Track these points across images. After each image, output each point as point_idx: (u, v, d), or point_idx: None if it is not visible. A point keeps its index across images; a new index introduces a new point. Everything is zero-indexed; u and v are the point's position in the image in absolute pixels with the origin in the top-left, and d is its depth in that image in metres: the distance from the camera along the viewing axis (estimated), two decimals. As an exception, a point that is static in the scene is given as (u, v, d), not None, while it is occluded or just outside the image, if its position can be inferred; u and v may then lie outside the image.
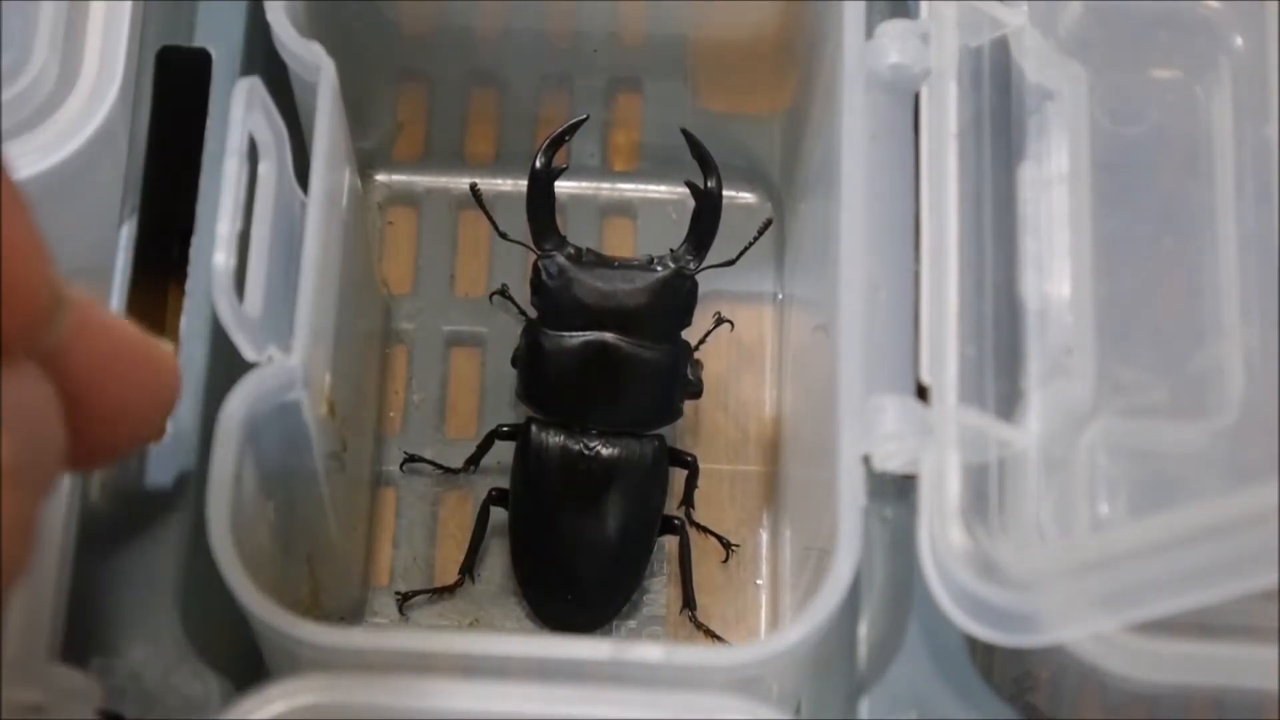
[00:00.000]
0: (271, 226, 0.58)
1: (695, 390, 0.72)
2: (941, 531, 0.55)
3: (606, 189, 0.80)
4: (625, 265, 0.71)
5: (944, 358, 0.57)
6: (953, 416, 0.57)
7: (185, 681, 0.57)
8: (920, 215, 0.59)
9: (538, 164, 0.71)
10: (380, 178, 0.80)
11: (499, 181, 0.78)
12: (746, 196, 0.79)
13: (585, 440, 0.71)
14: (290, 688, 0.54)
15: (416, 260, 0.79)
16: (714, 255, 0.71)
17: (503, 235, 0.74)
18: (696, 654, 0.56)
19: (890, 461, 0.57)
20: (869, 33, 0.61)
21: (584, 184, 0.79)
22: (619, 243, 0.79)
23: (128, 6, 0.63)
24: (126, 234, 0.63)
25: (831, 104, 0.63)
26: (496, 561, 0.74)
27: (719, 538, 0.74)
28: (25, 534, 0.45)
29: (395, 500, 0.75)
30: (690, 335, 0.72)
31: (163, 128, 0.64)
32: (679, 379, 0.71)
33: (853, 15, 0.61)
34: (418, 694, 0.54)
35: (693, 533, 0.74)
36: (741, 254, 0.73)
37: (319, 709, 0.53)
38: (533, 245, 0.71)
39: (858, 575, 0.56)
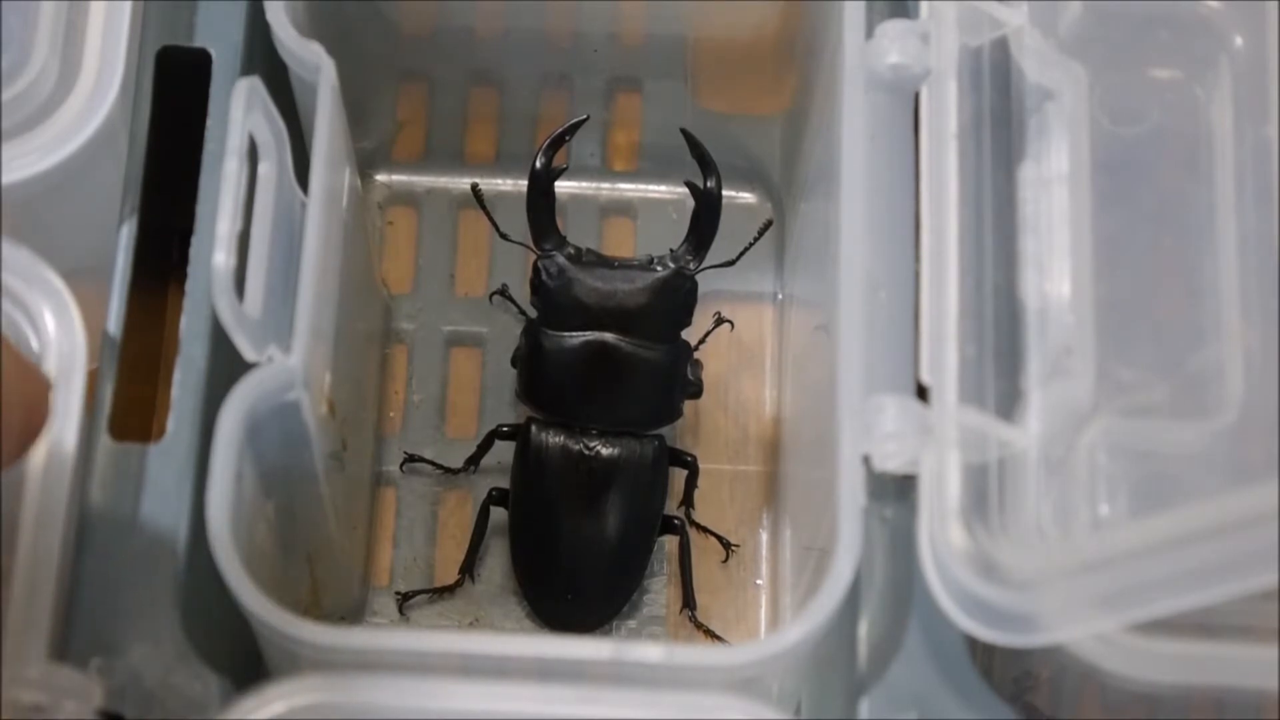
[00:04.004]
0: (271, 226, 0.58)
1: (695, 390, 0.72)
2: (941, 531, 0.55)
3: (606, 189, 0.80)
4: (625, 265, 0.71)
5: (944, 358, 0.57)
6: (953, 416, 0.57)
7: (185, 681, 0.57)
8: (920, 215, 0.59)
9: (538, 164, 0.71)
10: (380, 178, 0.80)
11: (499, 181, 0.78)
12: (746, 196, 0.79)
13: (585, 440, 0.71)
14: (290, 688, 0.54)
15: (416, 260, 0.79)
16: (714, 255, 0.71)
17: (503, 236, 0.74)
18: (696, 654, 0.56)
19: (890, 461, 0.57)
20: (869, 33, 0.61)
21: (584, 184, 0.79)
22: (619, 243, 0.79)
23: (128, 6, 0.63)
24: (126, 234, 0.63)
25: (831, 104, 0.63)
26: (496, 561, 0.74)
27: (719, 538, 0.74)
28: None
29: (395, 500, 0.75)
30: (690, 335, 0.72)
31: (163, 128, 0.64)
32: (679, 379, 0.71)
33: (853, 15, 0.61)
34: (418, 694, 0.54)
35: (693, 533, 0.74)
36: (742, 254, 0.73)
37: (319, 709, 0.53)
38: (533, 245, 0.71)
39: (858, 575, 0.56)
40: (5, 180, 0.60)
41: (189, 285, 0.61)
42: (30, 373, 0.52)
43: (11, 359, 0.51)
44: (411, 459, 0.75)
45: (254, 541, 0.59)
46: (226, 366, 0.59)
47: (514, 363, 0.73)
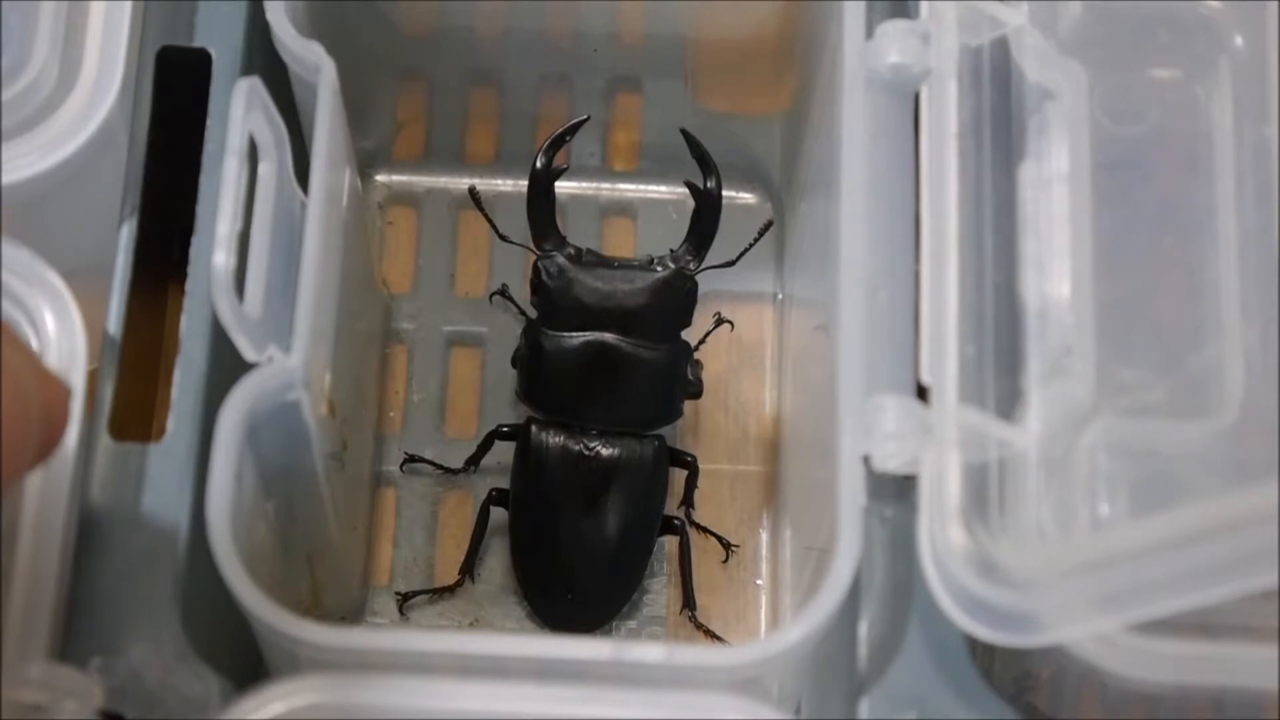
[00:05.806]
0: (271, 226, 0.58)
1: (695, 390, 0.72)
2: (941, 531, 0.55)
3: (606, 189, 0.80)
4: (625, 265, 0.71)
5: (944, 358, 0.57)
6: (953, 416, 0.57)
7: (185, 681, 0.57)
8: (920, 215, 0.59)
9: (538, 164, 0.71)
10: (380, 178, 0.80)
11: (499, 181, 0.78)
12: (746, 196, 0.79)
13: (585, 440, 0.71)
14: (290, 688, 0.54)
15: (416, 260, 0.79)
16: (714, 255, 0.71)
17: (502, 237, 0.74)
18: (696, 654, 0.56)
19: (890, 461, 0.57)
20: (869, 33, 0.61)
21: (584, 184, 0.80)
22: (619, 243, 0.79)
23: (128, 6, 0.63)
24: (126, 234, 0.63)
25: (831, 104, 0.63)
26: (496, 561, 0.74)
27: (719, 538, 0.74)
28: None
29: (395, 500, 0.75)
30: (690, 335, 0.72)
31: (163, 128, 0.64)
32: (679, 379, 0.71)
33: (853, 15, 0.61)
34: (418, 694, 0.54)
35: (693, 533, 0.74)
36: (742, 254, 0.73)
37: (319, 709, 0.53)
38: (533, 245, 0.71)
39: (858, 575, 0.56)
40: (5, 180, 0.60)
41: (189, 285, 0.61)
42: (51, 381, 0.52)
43: (33, 368, 0.50)
44: (411, 459, 0.75)
45: (254, 541, 0.59)
46: (226, 366, 0.59)
47: (514, 363, 0.73)
